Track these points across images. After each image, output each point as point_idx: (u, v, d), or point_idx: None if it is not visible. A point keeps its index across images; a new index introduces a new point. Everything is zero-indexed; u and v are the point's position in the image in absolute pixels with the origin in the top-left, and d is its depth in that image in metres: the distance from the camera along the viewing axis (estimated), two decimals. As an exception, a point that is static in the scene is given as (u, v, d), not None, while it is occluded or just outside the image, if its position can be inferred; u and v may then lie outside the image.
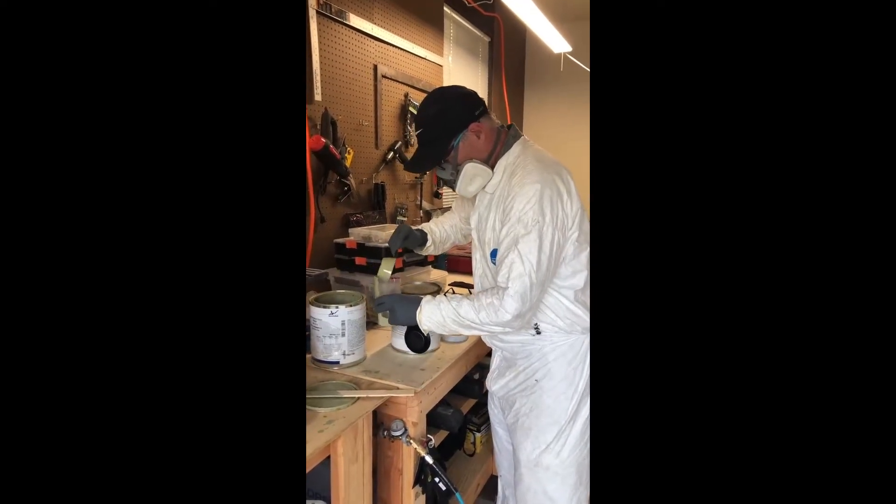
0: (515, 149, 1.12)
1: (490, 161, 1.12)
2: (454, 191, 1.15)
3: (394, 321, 1.15)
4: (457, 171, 1.11)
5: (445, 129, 1.09)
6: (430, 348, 1.32)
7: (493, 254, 1.12)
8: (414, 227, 1.37)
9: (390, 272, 1.28)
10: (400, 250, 1.34)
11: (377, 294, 1.27)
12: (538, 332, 1.12)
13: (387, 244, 1.58)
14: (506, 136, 1.13)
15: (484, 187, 1.13)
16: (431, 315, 1.07)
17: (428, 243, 1.38)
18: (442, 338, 1.38)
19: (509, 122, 1.17)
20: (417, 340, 1.21)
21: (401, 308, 1.12)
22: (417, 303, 1.09)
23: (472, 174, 1.10)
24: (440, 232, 1.41)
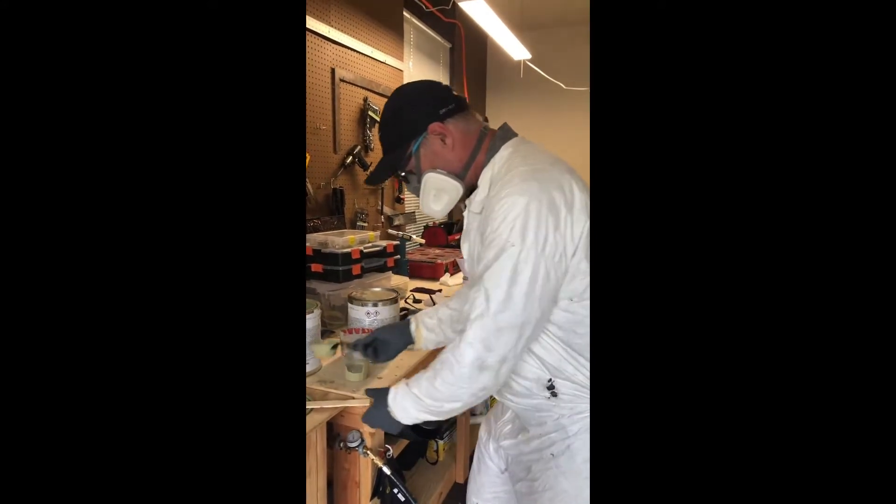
0: (503, 152, 0.87)
1: (468, 171, 0.90)
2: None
3: (383, 428, 0.94)
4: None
5: (402, 132, 0.89)
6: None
7: None
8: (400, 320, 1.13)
9: (324, 352, 1.11)
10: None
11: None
12: (554, 395, 0.86)
13: (345, 250, 1.55)
14: (491, 140, 0.89)
15: (465, 205, 0.91)
16: (405, 411, 0.86)
17: (417, 344, 1.13)
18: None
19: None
20: (421, 431, 0.93)
21: (376, 416, 0.91)
22: (385, 401, 0.89)
23: (436, 187, 0.90)
24: (434, 322, 1.12)
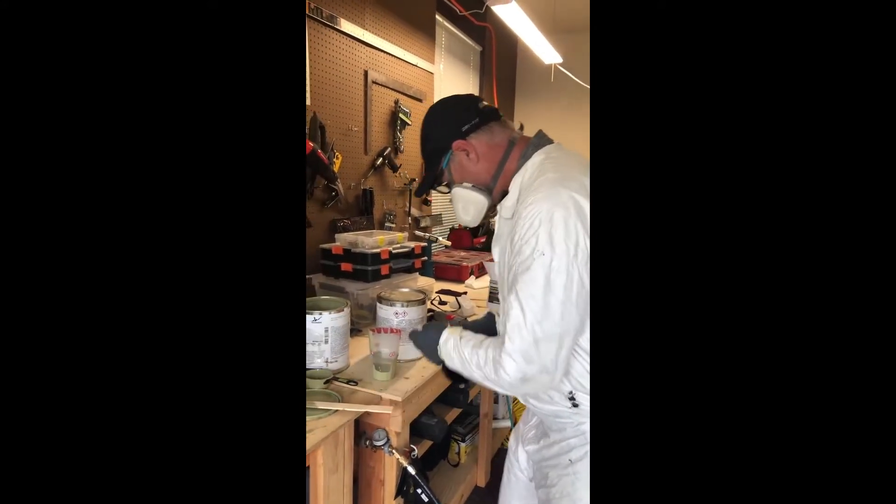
0: (535, 158, 0.89)
1: (498, 181, 0.93)
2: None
3: (426, 353, 1.01)
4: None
5: (432, 150, 0.97)
6: (416, 356, 1.30)
7: None
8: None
9: (318, 386, 1.09)
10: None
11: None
12: (575, 405, 0.86)
13: (374, 251, 1.57)
14: (523, 149, 0.92)
15: (493, 214, 0.97)
16: (450, 358, 0.92)
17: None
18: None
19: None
20: (454, 376, 0.99)
21: (425, 342, 0.98)
22: (438, 336, 0.95)
23: (463, 200, 0.96)
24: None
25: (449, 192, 1.01)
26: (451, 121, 0.93)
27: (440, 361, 0.95)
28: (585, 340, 0.81)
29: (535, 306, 0.75)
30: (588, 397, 0.84)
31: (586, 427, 0.87)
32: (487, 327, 1.03)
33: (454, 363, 0.91)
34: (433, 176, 0.99)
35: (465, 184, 0.95)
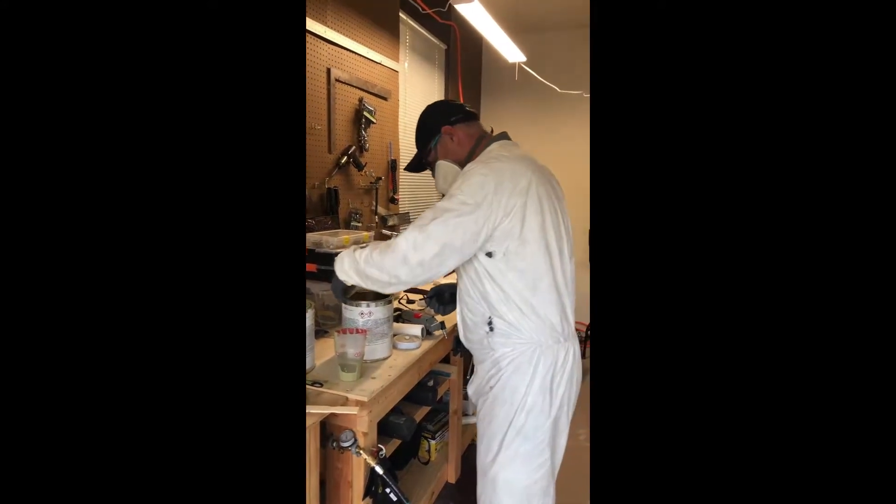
0: (493, 147, 1.19)
1: (469, 160, 1.20)
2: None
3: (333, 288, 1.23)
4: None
5: (424, 132, 1.27)
6: (383, 356, 1.30)
7: None
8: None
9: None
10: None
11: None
12: (491, 329, 1.12)
13: (339, 250, 1.55)
14: (488, 140, 1.22)
15: None
16: (342, 268, 1.15)
17: None
18: (394, 345, 1.37)
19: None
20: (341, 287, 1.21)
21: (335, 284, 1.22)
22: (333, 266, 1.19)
23: (443, 171, 1.25)
24: None
25: (431, 169, 1.30)
26: (443, 112, 1.26)
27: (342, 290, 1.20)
28: (499, 274, 1.08)
29: (436, 216, 1.04)
30: (501, 321, 1.10)
31: (498, 355, 1.13)
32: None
33: (345, 268, 1.13)
34: (424, 153, 1.28)
35: (448, 160, 1.24)
